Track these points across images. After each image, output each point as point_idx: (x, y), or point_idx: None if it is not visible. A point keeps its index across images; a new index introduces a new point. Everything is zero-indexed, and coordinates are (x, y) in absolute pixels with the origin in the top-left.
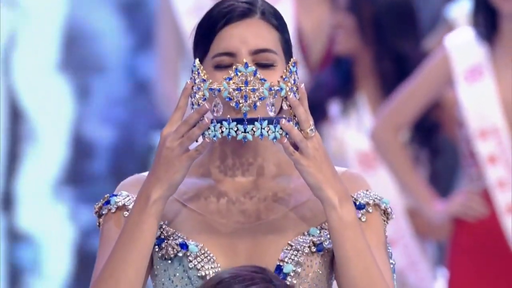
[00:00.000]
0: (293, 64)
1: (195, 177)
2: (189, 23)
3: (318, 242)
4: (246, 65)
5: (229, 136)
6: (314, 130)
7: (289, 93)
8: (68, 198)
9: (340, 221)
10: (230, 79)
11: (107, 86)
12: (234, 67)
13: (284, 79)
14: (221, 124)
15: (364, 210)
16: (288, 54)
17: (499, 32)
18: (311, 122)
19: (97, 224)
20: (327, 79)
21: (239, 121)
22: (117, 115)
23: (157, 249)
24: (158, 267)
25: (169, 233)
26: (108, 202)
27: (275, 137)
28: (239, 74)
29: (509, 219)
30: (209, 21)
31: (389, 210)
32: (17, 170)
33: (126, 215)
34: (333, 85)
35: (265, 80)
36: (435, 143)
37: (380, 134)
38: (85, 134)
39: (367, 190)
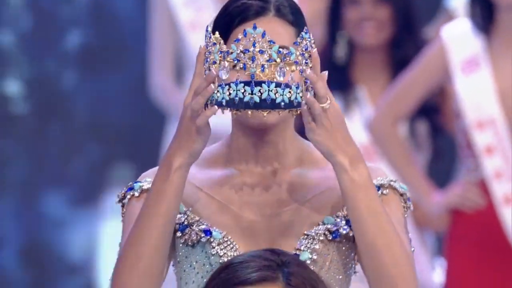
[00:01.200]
0: (305, 31)
1: (218, 167)
2: (185, 15)
3: (333, 229)
4: (254, 26)
5: (236, 98)
6: (330, 102)
7: (299, 58)
8: None
9: (351, 183)
10: (239, 40)
11: None
12: (243, 29)
13: (294, 43)
14: (229, 86)
15: (379, 192)
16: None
17: (496, 23)
18: (329, 94)
19: (121, 213)
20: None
21: (246, 83)
22: None
23: (179, 235)
24: (180, 253)
25: (194, 220)
26: (131, 188)
27: (282, 100)
28: (247, 35)
29: (506, 209)
30: (224, 18)
31: (407, 195)
32: None
33: None
34: (328, 79)
35: (273, 42)
36: (436, 123)
37: (378, 126)
38: None
39: (383, 178)
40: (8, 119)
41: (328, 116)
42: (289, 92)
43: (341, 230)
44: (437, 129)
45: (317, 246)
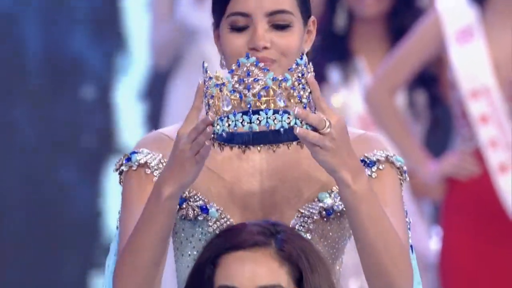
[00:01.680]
0: (300, 57)
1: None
2: None
3: (327, 207)
4: (247, 56)
5: (235, 128)
6: (329, 126)
7: (296, 84)
8: None
9: (354, 196)
10: (233, 71)
11: None
12: (236, 61)
13: (289, 69)
14: (228, 118)
15: (375, 167)
16: (305, 13)
17: None
18: (327, 113)
19: (119, 181)
20: (321, 43)
21: (244, 113)
22: None
23: (177, 209)
24: (177, 225)
25: (191, 194)
26: (129, 159)
27: (282, 126)
28: (241, 65)
29: (501, 178)
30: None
31: (404, 168)
32: None
33: (147, 172)
34: (327, 49)
35: (267, 70)
36: (434, 92)
37: (374, 97)
38: None
39: (382, 150)
40: (19, 87)
41: (331, 137)
42: (288, 117)
43: (335, 208)
44: (435, 99)
45: (311, 226)
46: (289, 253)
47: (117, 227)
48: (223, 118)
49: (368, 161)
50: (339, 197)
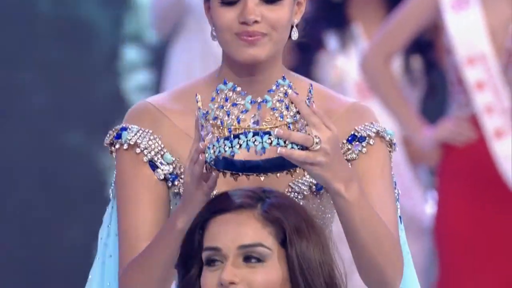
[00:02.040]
0: (283, 78)
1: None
2: None
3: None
4: (224, 82)
5: (219, 154)
6: (319, 142)
7: (277, 105)
8: None
9: (347, 204)
10: (214, 99)
11: None
12: (216, 87)
13: (269, 91)
14: (213, 145)
15: (365, 142)
16: None
17: None
18: (313, 138)
19: (110, 152)
20: (317, 10)
21: (226, 138)
22: None
23: (170, 185)
24: (171, 201)
25: (182, 170)
26: (119, 136)
27: (263, 147)
28: (219, 92)
29: (497, 143)
30: None
31: (394, 141)
32: None
33: (137, 152)
34: (325, 16)
35: (245, 94)
36: (430, 58)
37: (370, 63)
38: None
39: (372, 123)
40: (29, 51)
41: (325, 152)
42: (269, 138)
43: None
44: (431, 65)
45: (301, 202)
46: (273, 215)
47: (110, 197)
48: (209, 146)
49: (358, 136)
50: None
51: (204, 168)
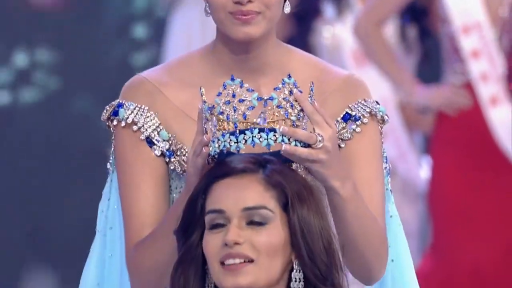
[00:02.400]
0: (289, 76)
1: (201, 84)
2: None
3: None
4: (232, 78)
5: (224, 148)
6: (322, 140)
7: (283, 102)
8: None
9: (342, 200)
10: (220, 94)
11: None
12: (223, 83)
13: (275, 89)
14: (218, 139)
15: (359, 121)
16: None
17: None
18: (317, 135)
19: (107, 126)
20: None
21: (232, 133)
22: None
23: (167, 161)
24: (169, 175)
25: (177, 147)
26: (116, 113)
27: (268, 144)
28: (227, 87)
29: (492, 110)
30: None
31: (385, 118)
32: None
33: (135, 130)
34: None
35: (252, 90)
36: (425, 25)
37: (362, 27)
38: None
39: (365, 100)
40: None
41: (326, 150)
42: (274, 135)
43: None
44: (425, 32)
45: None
46: (276, 179)
47: (109, 171)
48: (214, 140)
49: (353, 115)
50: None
51: (207, 160)
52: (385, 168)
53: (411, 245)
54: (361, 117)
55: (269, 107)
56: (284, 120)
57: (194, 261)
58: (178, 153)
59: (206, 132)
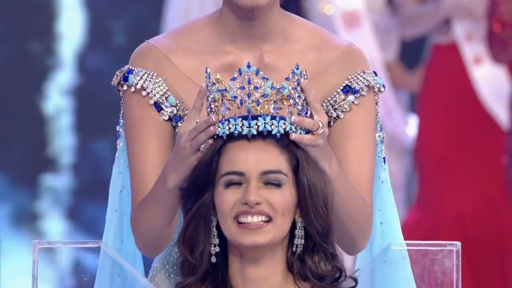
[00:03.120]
0: (297, 67)
1: (207, 51)
2: None
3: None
4: (248, 65)
5: (235, 131)
6: (322, 127)
7: (292, 92)
8: None
9: (329, 179)
10: (235, 79)
11: None
12: (237, 69)
13: (286, 79)
14: (229, 121)
15: (357, 94)
16: None
17: None
18: (319, 123)
19: (117, 91)
20: None
21: (244, 118)
22: None
23: (174, 124)
24: (176, 137)
25: (184, 113)
26: (126, 79)
27: (278, 131)
28: (242, 74)
29: (475, 69)
30: None
31: (382, 89)
32: None
33: (143, 95)
34: None
35: (267, 79)
36: None
37: None
38: None
39: (364, 72)
40: None
41: (324, 135)
42: (284, 123)
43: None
44: None
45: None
46: (288, 143)
47: (118, 135)
48: (224, 122)
49: (352, 88)
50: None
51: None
52: (379, 136)
53: (398, 197)
54: (360, 90)
55: (280, 96)
56: (291, 107)
57: (205, 217)
58: (185, 118)
59: (212, 111)
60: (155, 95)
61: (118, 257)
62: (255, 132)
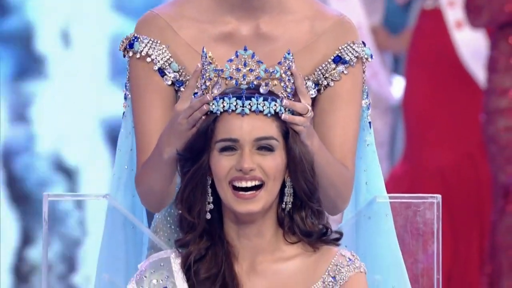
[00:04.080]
0: (288, 52)
1: (208, 23)
2: None
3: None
4: (245, 49)
5: (229, 110)
6: (310, 111)
7: (283, 76)
8: None
9: (312, 154)
10: (232, 60)
11: None
12: (234, 51)
13: (279, 63)
14: (223, 99)
15: (347, 64)
16: None
17: None
18: (308, 107)
19: (123, 55)
20: None
21: (238, 97)
22: None
23: (176, 89)
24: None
25: (186, 78)
26: (131, 45)
27: (269, 112)
28: (239, 56)
29: (457, 33)
30: None
31: (370, 59)
32: None
33: (148, 61)
34: None
35: (261, 62)
36: None
37: None
38: None
39: (353, 42)
40: None
41: (310, 117)
42: (275, 104)
43: (309, 94)
44: None
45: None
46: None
47: (125, 97)
48: (218, 100)
49: (342, 58)
50: (313, 84)
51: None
52: (366, 103)
53: (382, 152)
54: (349, 60)
55: (272, 78)
56: (282, 91)
57: (202, 178)
58: (187, 83)
59: (206, 88)
60: (159, 61)
61: (123, 209)
62: (248, 112)
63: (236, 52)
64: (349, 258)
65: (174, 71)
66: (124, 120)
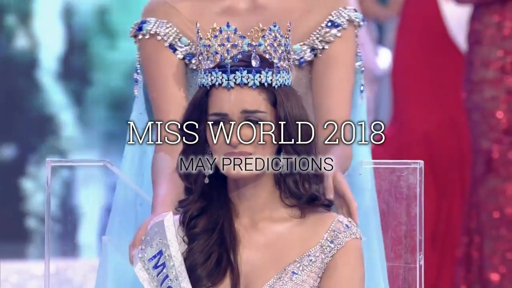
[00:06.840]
0: (274, 24)
1: (208, 1)
2: None
3: (299, 57)
4: (227, 25)
5: (216, 83)
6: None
7: (268, 48)
8: None
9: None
10: (216, 36)
11: None
12: (219, 28)
13: (263, 36)
14: (211, 73)
15: (340, 27)
16: None
17: None
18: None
19: (134, 42)
20: None
21: (224, 71)
22: None
23: (187, 62)
24: (189, 75)
25: (196, 51)
26: (140, 29)
27: (254, 84)
28: (223, 32)
29: (445, 5)
30: None
31: (361, 23)
32: None
33: (158, 39)
34: None
35: (244, 37)
36: None
37: None
38: None
39: (345, 8)
40: None
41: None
42: (259, 76)
43: (305, 57)
44: None
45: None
46: (266, 85)
47: (135, 81)
48: (207, 73)
49: (334, 22)
50: (310, 48)
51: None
52: (359, 66)
53: (368, 119)
54: (342, 23)
55: (256, 52)
56: (269, 64)
57: (199, 148)
58: (197, 55)
59: (199, 60)
60: (169, 38)
61: (122, 175)
62: (233, 85)
63: (220, 28)
64: (346, 225)
65: (185, 45)
66: (135, 103)
